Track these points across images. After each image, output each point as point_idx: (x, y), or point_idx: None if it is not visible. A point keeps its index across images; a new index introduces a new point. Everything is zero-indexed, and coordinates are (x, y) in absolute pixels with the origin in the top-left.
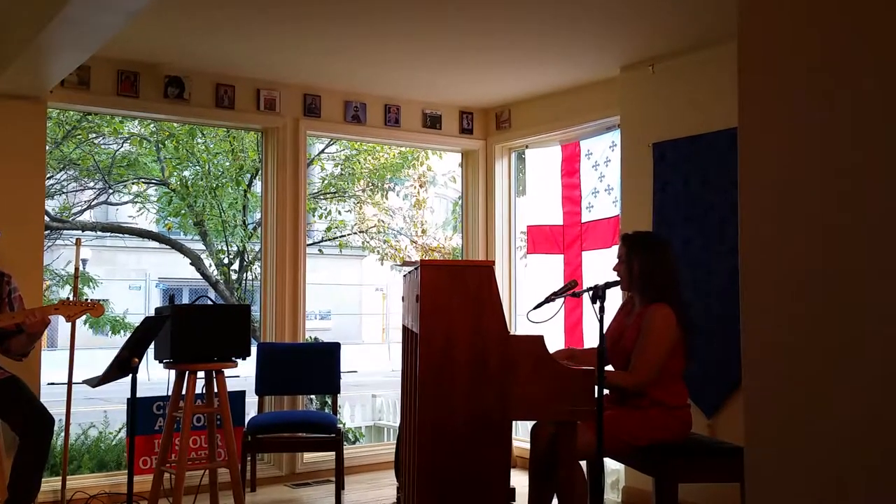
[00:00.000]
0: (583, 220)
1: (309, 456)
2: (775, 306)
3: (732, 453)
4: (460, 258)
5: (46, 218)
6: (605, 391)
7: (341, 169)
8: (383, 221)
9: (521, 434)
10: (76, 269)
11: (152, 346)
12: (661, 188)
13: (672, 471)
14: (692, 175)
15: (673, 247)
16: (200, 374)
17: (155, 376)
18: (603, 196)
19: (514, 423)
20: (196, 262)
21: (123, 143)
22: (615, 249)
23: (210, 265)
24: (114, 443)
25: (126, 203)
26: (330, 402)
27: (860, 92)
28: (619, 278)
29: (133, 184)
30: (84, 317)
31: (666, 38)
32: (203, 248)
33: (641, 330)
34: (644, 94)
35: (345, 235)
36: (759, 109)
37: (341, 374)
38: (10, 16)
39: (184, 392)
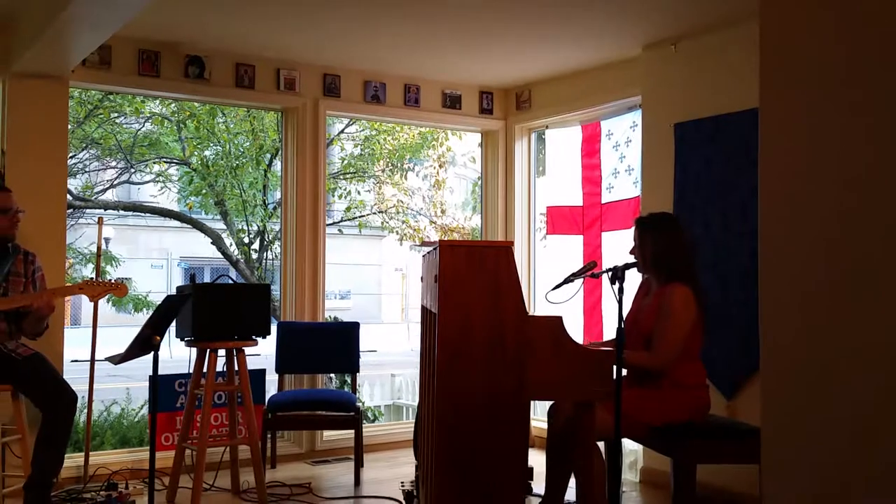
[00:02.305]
0: (603, 201)
1: (328, 434)
2: (794, 290)
3: (751, 434)
4: (479, 239)
5: (69, 197)
6: (623, 372)
7: (361, 149)
8: (402, 202)
9: (539, 414)
10: (98, 247)
11: (174, 324)
12: (682, 169)
13: (690, 452)
14: (714, 156)
15: (687, 227)
16: (221, 352)
17: (176, 354)
18: (623, 177)
19: (532, 403)
20: (217, 241)
21: (145, 122)
22: None
23: (231, 244)
24: (136, 419)
25: (148, 182)
26: (349, 381)
27: (882, 74)
28: (636, 261)
29: (154, 163)
30: (107, 296)
31: (688, 17)
32: (224, 227)
33: (661, 311)
34: (666, 74)
35: (364, 216)
36: (779, 91)
37: (360, 354)
38: None
39: (205, 370)
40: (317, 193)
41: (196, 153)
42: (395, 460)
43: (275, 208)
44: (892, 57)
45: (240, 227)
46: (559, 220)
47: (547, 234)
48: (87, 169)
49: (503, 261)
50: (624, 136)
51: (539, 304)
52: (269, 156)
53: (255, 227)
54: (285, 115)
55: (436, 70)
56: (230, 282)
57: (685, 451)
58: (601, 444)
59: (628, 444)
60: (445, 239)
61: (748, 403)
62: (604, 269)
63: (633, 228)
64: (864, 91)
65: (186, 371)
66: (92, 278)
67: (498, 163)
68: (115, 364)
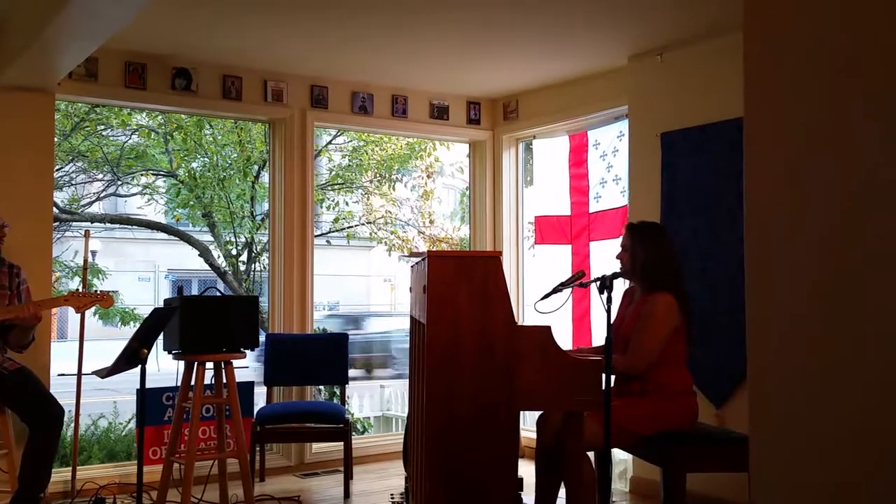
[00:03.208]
0: (591, 211)
1: (317, 446)
2: (781, 297)
3: (740, 442)
4: (468, 249)
5: (55, 210)
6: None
7: (349, 160)
8: (391, 212)
9: (529, 424)
10: (85, 260)
11: (161, 337)
12: (669, 178)
13: (680, 460)
14: (701, 165)
15: (674, 238)
16: (209, 364)
17: (164, 367)
18: (611, 186)
19: (521, 413)
20: (204, 253)
21: (132, 134)
22: None
23: (218, 256)
24: (123, 433)
25: (135, 195)
26: (338, 393)
27: (865, 79)
28: (621, 266)
29: (142, 175)
30: (94, 308)
31: (674, 27)
32: (211, 239)
33: (641, 316)
34: (652, 84)
35: (353, 226)
36: (764, 99)
37: (349, 365)
38: (17, 7)
39: (193, 383)
40: (305, 205)
41: (183, 165)
42: (385, 472)
43: (263, 220)
44: (876, 63)
45: (227, 238)
46: (547, 229)
47: (535, 243)
48: (73, 182)
49: (492, 271)
50: (611, 145)
51: (528, 314)
52: (256, 167)
53: (243, 239)
54: (273, 126)
55: (423, 81)
56: (218, 294)
57: (675, 460)
58: (591, 454)
59: (618, 454)
60: (434, 249)
61: (737, 411)
62: (592, 278)
63: (623, 234)
64: (849, 98)
65: (174, 384)
66: (78, 290)
67: (486, 173)
68: (102, 378)
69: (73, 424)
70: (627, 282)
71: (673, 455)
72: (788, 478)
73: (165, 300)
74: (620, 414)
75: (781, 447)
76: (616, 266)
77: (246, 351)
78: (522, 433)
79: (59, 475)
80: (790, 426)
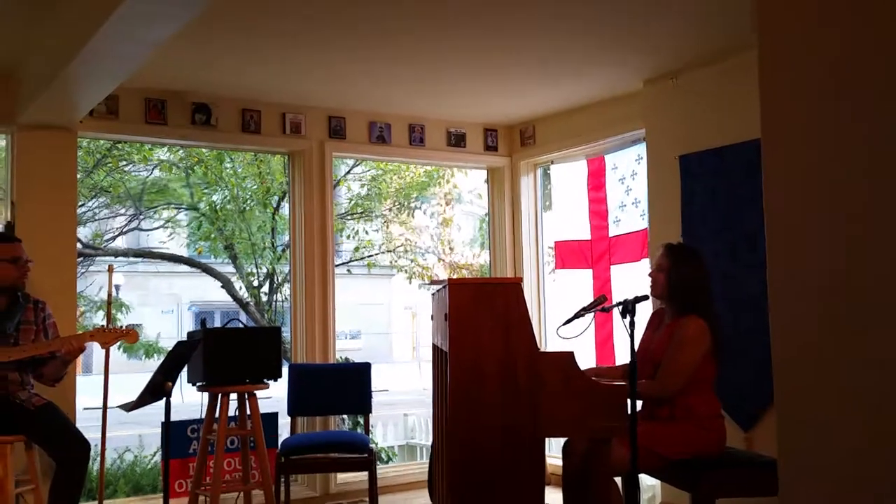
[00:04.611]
0: (610, 235)
1: (342, 476)
2: (806, 318)
3: (769, 466)
4: (488, 275)
5: (79, 245)
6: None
7: (368, 189)
8: (410, 240)
9: (555, 450)
10: (109, 294)
11: (185, 369)
12: (688, 200)
13: (708, 486)
14: (719, 187)
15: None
16: (233, 396)
17: (189, 399)
18: (630, 210)
19: (547, 439)
20: (227, 285)
21: (153, 169)
22: (644, 263)
23: (240, 288)
24: (149, 466)
25: (157, 228)
26: (362, 422)
27: (882, 95)
28: (651, 284)
29: (163, 209)
30: (118, 342)
31: (687, 51)
32: (233, 271)
33: (674, 340)
34: (668, 107)
35: (373, 255)
36: (780, 118)
37: (372, 394)
38: (37, 49)
39: (217, 415)
40: (325, 235)
41: (204, 198)
42: (410, 501)
43: (283, 250)
44: (894, 78)
45: (249, 270)
46: (567, 254)
47: (555, 268)
48: (96, 217)
49: (513, 297)
50: (629, 169)
51: (551, 339)
52: (276, 198)
53: (265, 270)
54: (292, 157)
55: (440, 109)
56: (240, 325)
57: (703, 486)
58: (618, 480)
59: (646, 480)
60: (454, 276)
61: (765, 435)
62: (614, 302)
63: (660, 254)
64: (866, 113)
65: (199, 416)
66: (103, 325)
67: (504, 199)
68: (128, 411)
69: (98, 458)
70: (657, 302)
71: (702, 480)
72: (819, 501)
73: (189, 332)
74: (648, 437)
75: (811, 470)
76: (641, 289)
77: (269, 381)
78: (548, 460)
79: None
80: (819, 449)
